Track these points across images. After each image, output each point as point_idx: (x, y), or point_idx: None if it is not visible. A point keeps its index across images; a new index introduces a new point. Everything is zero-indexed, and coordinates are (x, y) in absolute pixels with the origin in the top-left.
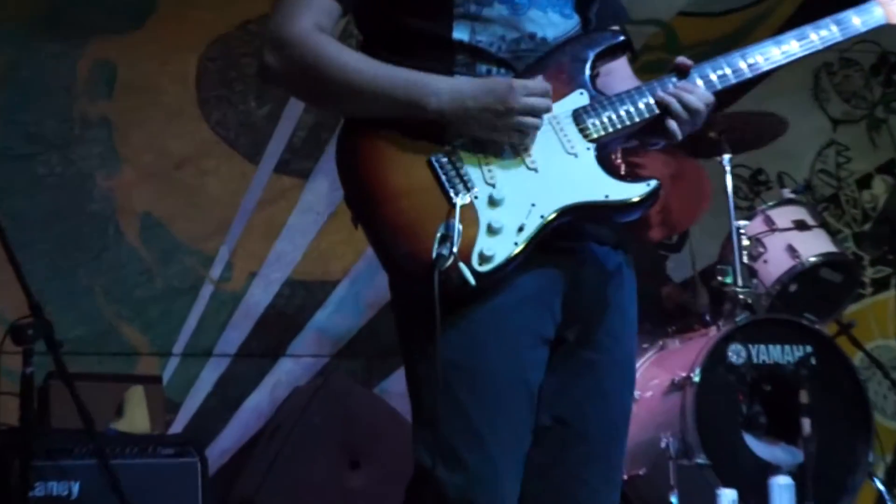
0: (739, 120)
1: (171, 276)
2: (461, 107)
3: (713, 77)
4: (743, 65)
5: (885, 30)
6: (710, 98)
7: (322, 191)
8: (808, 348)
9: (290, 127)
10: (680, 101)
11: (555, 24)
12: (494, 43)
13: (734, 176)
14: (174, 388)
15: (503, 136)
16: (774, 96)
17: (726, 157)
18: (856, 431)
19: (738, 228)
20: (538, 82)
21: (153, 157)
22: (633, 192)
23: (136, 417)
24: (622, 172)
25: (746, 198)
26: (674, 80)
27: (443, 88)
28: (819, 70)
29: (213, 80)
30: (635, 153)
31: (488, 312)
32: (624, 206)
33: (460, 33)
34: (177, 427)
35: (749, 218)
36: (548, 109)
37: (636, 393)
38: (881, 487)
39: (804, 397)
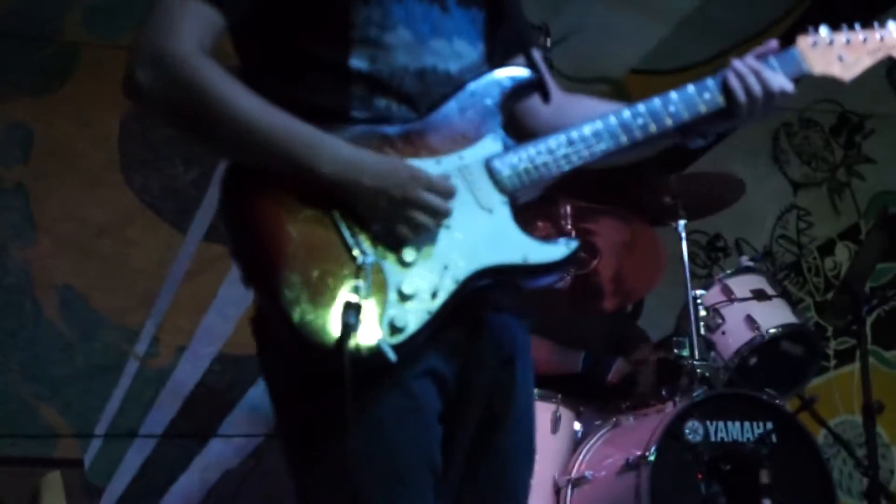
0: (695, 182)
1: (92, 352)
2: (356, 181)
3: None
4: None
5: (845, 88)
6: (789, 86)
7: None
8: (769, 425)
9: None
10: (759, 76)
11: (459, 55)
12: (396, 74)
13: (691, 242)
14: (96, 471)
15: (391, 225)
16: (732, 158)
17: (682, 222)
18: None
19: (695, 298)
20: (443, 182)
21: (72, 226)
22: (554, 253)
23: None
24: (539, 231)
25: (704, 265)
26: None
27: (340, 156)
28: (778, 131)
29: (137, 142)
30: (586, 219)
31: (391, 393)
32: (543, 269)
33: (358, 61)
34: None
35: (706, 287)
36: (446, 214)
37: (588, 473)
38: None
39: (765, 477)
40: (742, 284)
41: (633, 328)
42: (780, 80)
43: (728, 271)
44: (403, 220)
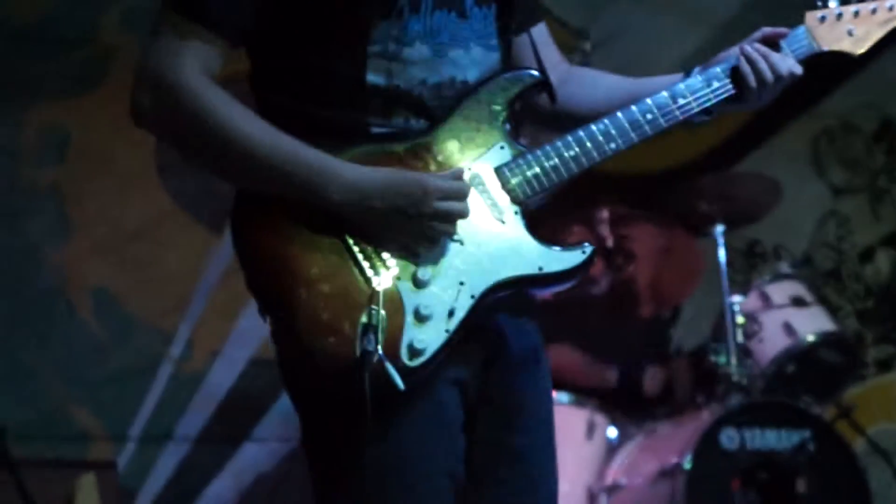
0: (732, 184)
1: (126, 355)
2: (367, 206)
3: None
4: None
5: (889, 94)
6: (798, 69)
7: None
8: (806, 433)
9: None
10: (768, 60)
11: (477, 63)
12: (415, 88)
13: (728, 248)
14: (130, 475)
15: (409, 241)
16: (771, 164)
17: (719, 228)
18: None
19: (732, 305)
20: (455, 184)
21: (107, 228)
22: (569, 261)
23: None
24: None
25: (742, 271)
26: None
27: (348, 182)
28: (818, 136)
29: None
30: (624, 224)
31: (419, 406)
32: (559, 277)
33: (375, 76)
34: None
35: (744, 293)
36: (464, 215)
37: (623, 480)
38: None
39: (801, 486)
40: (780, 291)
41: (667, 337)
42: (788, 63)
43: (766, 278)
44: (422, 234)
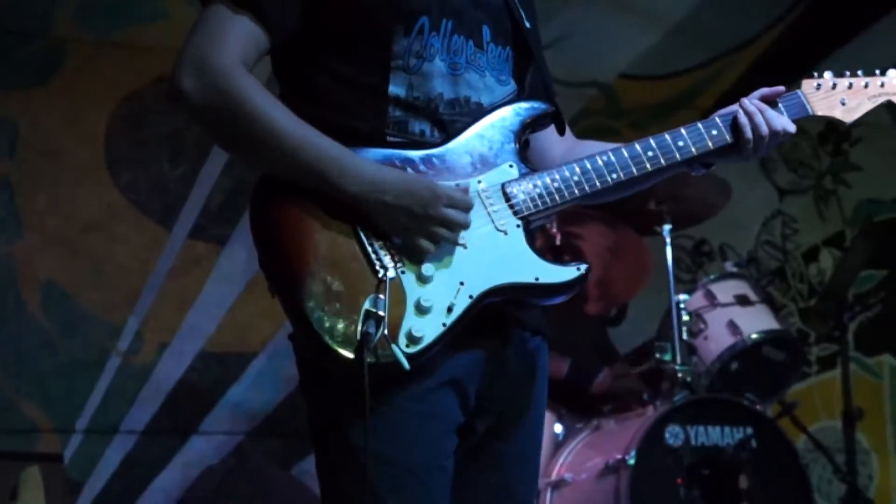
0: (681, 185)
1: (75, 348)
2: (379, 199)
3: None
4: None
5: None
6: (791, 127)
7: (240, 258)
8: (749, 430)
9: (206, 190)
10: (764, 115)
11: (490, 89)
12: (432, 101)
13: (676, 247)
14: (77, 467)
15: (412, 239)
16: (719, 166)
17: (667, 227)
18: None
19: (678, 303)
20: (463, 195)
21: (58, 222)
22: (563, 275)
23: (32, 502)
24: (553, 250)
25: (688, 270)
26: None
27: (365, 175)
28: None
29: (124, 139)
30: (572, 223)
31: (411, 399)
32: (553, 289)
33: (397, 87)
34: None
35: (690, 292)
36: (465, 226)
37: (568, 476)
38: None
39: (744, 482)
40: (726, 290)
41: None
42: (783, 120)
43: (712, 276)
44: (425, 234)
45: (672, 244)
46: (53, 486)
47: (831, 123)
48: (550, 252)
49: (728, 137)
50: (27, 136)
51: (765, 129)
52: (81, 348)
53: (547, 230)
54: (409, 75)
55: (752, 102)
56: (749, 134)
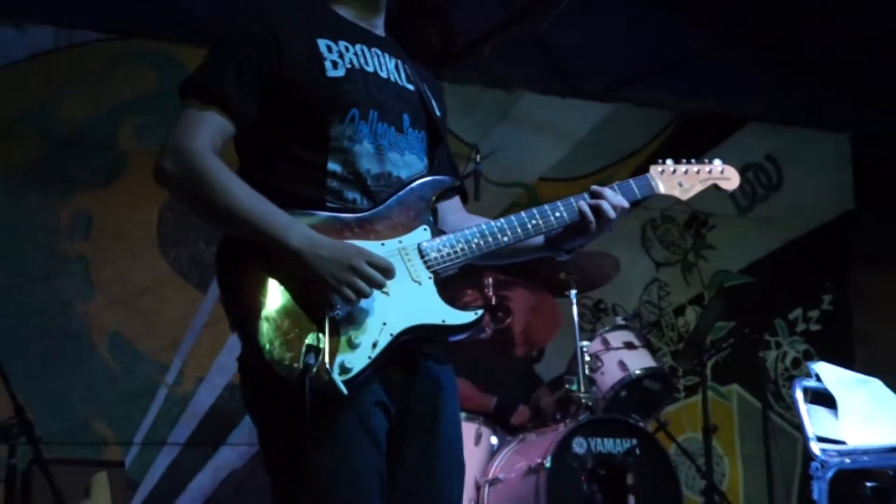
0: (583, 259)
1: (133, 381)
2: (315, 253)
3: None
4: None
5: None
6: (625, 203)
7: None
8: (634, 441)
9: None
10: (610, 202)
11: (409, 166)
12: (362, 175)
13: (580, 306)
14: (134, 471)
15: (335, 285)
16: (612, 245)
17: (573, 292)
18: None
19: (582, 348)
20: (383, 260)
21: (121, 287)
22: (464, 318)
23: (101, 499)
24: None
25: (590, 322)
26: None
27: (304, 234)
28: (645, 224)
29: (171, 225)
30: (503, 288)
31: (352, 418)
32: (456, 329)
33: (334, 164)
34: None
35: (590, 339)
36: (380, 285)
37: (501, 475)
38: None
39: (630, 480)
40: (617, 337)
41: (534, 374)
42: (619, 199)
43: (607, 328)
44: (347, 284)
45: (577, 303)
46: (117, 485)
47: (694, 214)
48: (487, 309)
49: (575, 210)
50: (98, 223)
51: (606, 206)
52: (138, 382)
53: (485, 293)
54: (344, 154)
55: (597, 188)
56: (589, 213)
